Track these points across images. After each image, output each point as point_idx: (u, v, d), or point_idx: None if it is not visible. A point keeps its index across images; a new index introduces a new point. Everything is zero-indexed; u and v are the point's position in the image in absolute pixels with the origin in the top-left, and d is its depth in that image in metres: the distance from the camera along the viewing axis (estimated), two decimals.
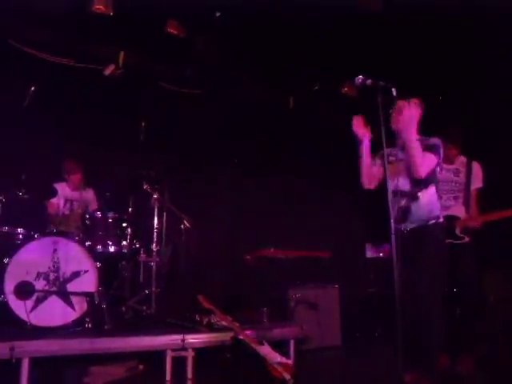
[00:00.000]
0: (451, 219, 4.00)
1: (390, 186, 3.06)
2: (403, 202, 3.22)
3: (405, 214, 3.23)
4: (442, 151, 3.21)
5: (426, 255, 3.17)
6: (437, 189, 4.11)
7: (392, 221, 2.91)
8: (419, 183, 3.22)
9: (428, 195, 3.27)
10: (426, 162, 3.14)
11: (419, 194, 3.24)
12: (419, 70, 5.28)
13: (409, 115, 3.07)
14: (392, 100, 2.64)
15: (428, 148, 3.18)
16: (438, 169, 3.28)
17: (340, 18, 4.70)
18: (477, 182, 4.08)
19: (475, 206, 4.04)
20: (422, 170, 3.12)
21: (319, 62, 5.59)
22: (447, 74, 5.33)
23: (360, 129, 3.26)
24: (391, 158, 3.27)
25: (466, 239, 3.98)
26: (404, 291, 3.03)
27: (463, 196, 4.05)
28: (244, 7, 4.47)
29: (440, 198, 4.05)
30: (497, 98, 5.28)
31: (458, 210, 4.05)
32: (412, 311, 3.06)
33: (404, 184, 3.24)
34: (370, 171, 3.33)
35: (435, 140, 3.20)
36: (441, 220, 3.28)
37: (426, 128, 3.24)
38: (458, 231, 3.99)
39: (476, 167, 4.09)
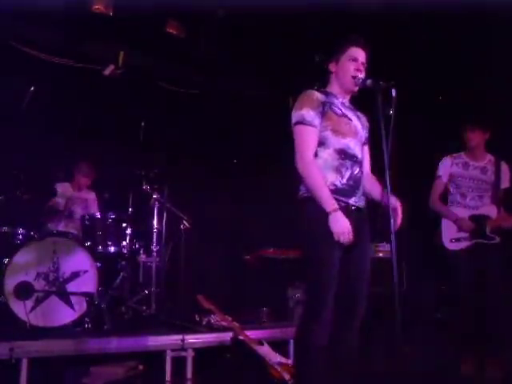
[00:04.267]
0: (481, 219, 3.80)
1: (339, 143, 2.49)
2: (357, 171, 2.54)
3: (356, 186, 2.53)
4: None
5: (369, 248, 2.64)
6: (460, 185, 3.89)
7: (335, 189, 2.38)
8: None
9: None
10: None
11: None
12: (419, 70, 5.27)
13: None
14: (392, 101, 2.53)
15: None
16: None
17: (340, 17, 4.69)
18: (505, 182, 3.88)
19: (501, 206, 3.85)
20: None
21: (319, 62, 5.58)
22: (447, 74, 5.32)
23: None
24: (337, 110, 2.56)
25: (497, 239, 3.76)
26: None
27: (491, 195, 3.85)
28: (244, 7, 4.47)
29: (464, 196, 3.88)
30: (499, 99, 5.24)
31: (489, 210, 3.83)
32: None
33: (356, 148, 2.56)
34: None
35: None
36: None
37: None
38: (488, 231, 3.76)
39: (504, 167, 3.90)
